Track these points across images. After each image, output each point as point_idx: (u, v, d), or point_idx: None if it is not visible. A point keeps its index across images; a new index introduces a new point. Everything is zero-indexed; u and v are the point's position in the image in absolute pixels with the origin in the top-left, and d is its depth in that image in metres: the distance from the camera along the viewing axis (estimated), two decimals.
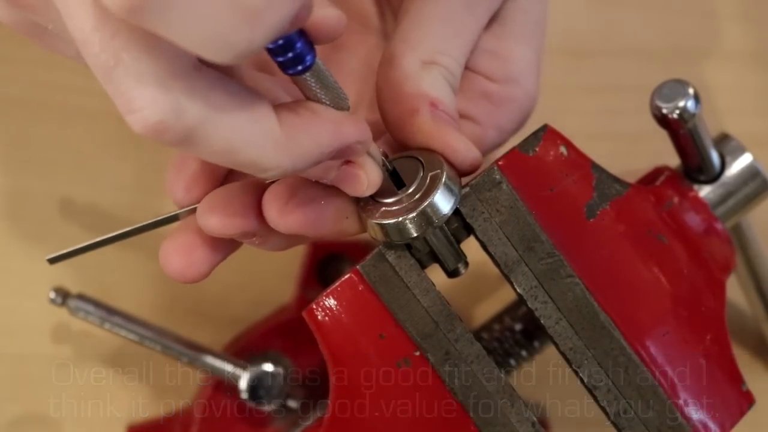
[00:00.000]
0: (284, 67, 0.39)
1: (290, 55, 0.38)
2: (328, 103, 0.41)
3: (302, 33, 0.38)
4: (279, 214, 0.44)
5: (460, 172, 0.46)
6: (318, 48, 0.52)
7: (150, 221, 0.47)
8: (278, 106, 0.40)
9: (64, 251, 0.50)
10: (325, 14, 0.39)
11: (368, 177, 0.44)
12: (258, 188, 0.45)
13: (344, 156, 0.42)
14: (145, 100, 0.36)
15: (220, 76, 0.38)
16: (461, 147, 0.45)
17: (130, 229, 0.48)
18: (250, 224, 0.44)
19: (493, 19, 0.50)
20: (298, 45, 0.38)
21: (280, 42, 0.38)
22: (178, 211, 0.47)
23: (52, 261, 0.51)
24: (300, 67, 0.39)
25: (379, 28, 0.53)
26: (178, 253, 0.45)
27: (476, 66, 0.50)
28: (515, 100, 0.50)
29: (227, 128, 0.38)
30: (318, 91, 0.41)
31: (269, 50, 0.38)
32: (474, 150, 0.46)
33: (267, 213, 0.44)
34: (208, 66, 0.38)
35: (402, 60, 0.47)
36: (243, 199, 0.45)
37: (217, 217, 0.44)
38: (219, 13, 0.34)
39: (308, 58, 0.39)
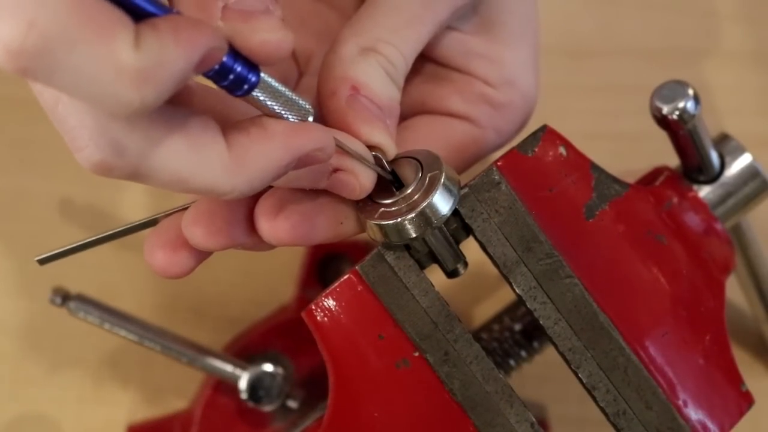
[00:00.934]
0: (228, 90, 0.39)
1: (231, 78, 0.38)
2: (288, 115, 0.41)
3: (238, 56, 0.38)
4: (270, 229, 0.44)
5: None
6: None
7: (131, 224, 0.47)
8: (229, 127, 0.40)
9: (53, 252, 0.50)
10: (262, 39, 0.38)
11: (360, 181, 0.44)
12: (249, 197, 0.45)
13: (309, 165, 0.41)
14: (85, 140, 0.37)
15: (162, 109, 0.38)
16: (367, 133, 0.45)
17: (112, 232, 0.48)
18: (236, 239, 0.44)
19: (482, 23, 0.50)
20: (237, 69, 0.38)
21: (216, 69, 0.37)
22: (157, 215, 0.46)
23: (42, 262, 0.52)
24: (246, 87, 0.39)
25: None
26: (163, 249, 0.45)
27: (472, 71, 0.50)
28: (513, 103, 0.50)
29: (172, 161, 0.38)
30: (272, 105, 0.40)
31: (208, 77, 0.38)
32: (385, 142, 0.45)
33: (259, 229, 0.44)
34: None
35: (342, 45, 0.46)
36: (229, 212, 0.44)
37: (202, 232, 0.44)
38: (102, 76, 0.34)
39: (251, 77, 0.39)
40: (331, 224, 0.45)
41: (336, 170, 0.43)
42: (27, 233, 0.67)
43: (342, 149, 0.43)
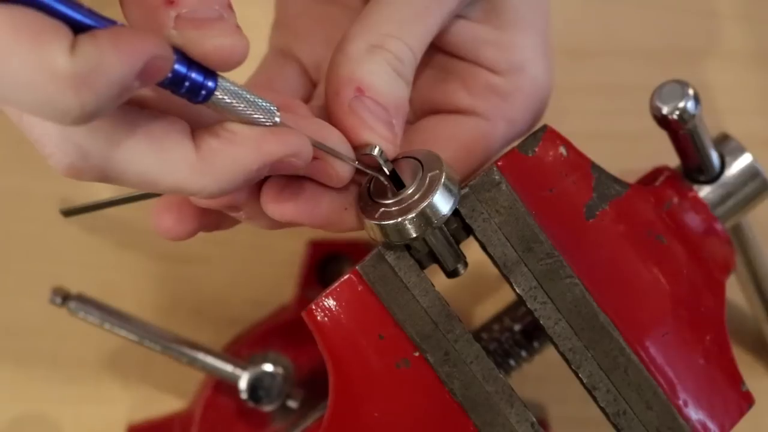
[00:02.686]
0: (188, 98, 0.39)
1: (187, 85, 0.38)
2: (254, 118, 0.41)
3: (192, 64, 0.39)
4: (273, 201, 0.44)
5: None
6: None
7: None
8: (200, 130, 0.40)
9: (78, 206, 0.53)
10: (215, 45, 0.39)
11: (336, 171, 0.44)
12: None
13: (284, 171, 0.42)
14: (51, 147, 0.39)
15: (127, 111, 0.39)
16: (367, 139, 0.45)
17: (137, 193, 0.50)
18: (238, 198, 0.44)
19: (490, 9, 0.49)
20: (192, 76, 0.38)
21: (169, 77, 0.38)
22: None
23: (67, 214, 0.52)
24: (204, 93, 0.39)
25: None
26: (170, 211, 0.46)
27: (478, 58, 0.49)
28: (522, 90, 0.49)
29: (136, 163, 0.39)
30: (236, 110, 0.40)
31: (164, 86, 0.38)
32: (386, 148, 0.45)
33: (262, 200, 0.44)
34: None
35: (350, 42, 0.46)
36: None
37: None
38: (37, 82, 0.35)
39: (209, 84, 0.39)
40: (335, 207, 0.45)
41: (313, 158, 0.43)
42: (27, 233, 0.67)
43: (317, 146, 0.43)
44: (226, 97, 0.40)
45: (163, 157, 0.39)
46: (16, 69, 0.34)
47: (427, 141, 0.49)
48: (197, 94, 0.39)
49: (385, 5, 0.47)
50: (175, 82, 0.38)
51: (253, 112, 0.41)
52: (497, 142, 0.49)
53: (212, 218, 0.46)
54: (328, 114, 0.46)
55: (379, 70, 0.45)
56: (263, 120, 0.41)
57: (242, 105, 0.40)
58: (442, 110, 0.50)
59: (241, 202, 0.44)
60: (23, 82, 0.35)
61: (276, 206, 0.44)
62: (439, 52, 0.50)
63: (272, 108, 0.41)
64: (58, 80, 0.34)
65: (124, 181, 0.39)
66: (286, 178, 0.44)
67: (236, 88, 0.40)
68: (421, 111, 0.51)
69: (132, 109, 0.39)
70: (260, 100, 0.41)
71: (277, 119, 0.41)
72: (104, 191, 0.67)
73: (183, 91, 0.39)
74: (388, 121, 0.45)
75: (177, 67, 0.38)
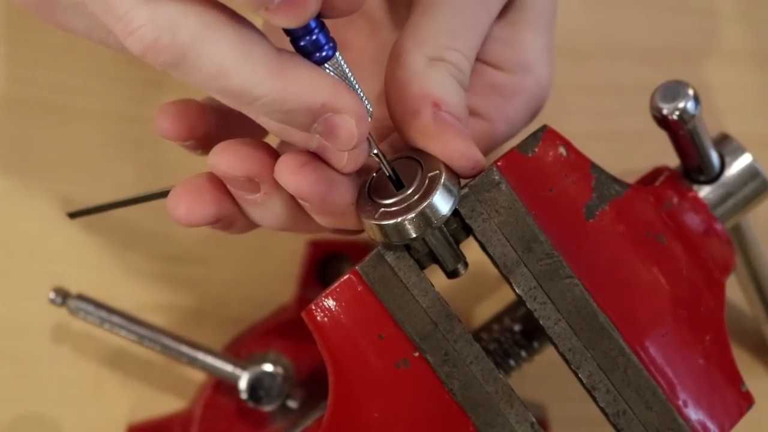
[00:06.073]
0: (303, 51, 0.41)
1: (308, 39, 0.40)
2: None
3: (321, 24, 0.40)
4: (292, 173, 0.43)
5: (461, 176, 0.45)
6: None
7: (165, 189, 0.48)
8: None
9: (84, 208, 0.54)
10: None
11: (356, 131, 0.42)
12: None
13: (334, 132, 0.42)
14: (142, 18, 0.38)
15: (222, 6, 0.40)
16: (460, 151, 0.45)
17: (145, 194, 0.50)
18: (260, 170, 0.44)
19: (508, 5, 0.49)
20: (316, 31, 0.40)
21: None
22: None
23: (73, 216, 0.52)
24: (318, 56, 0.41)
25: (390, 24, 0.53)
26: (186, 195, 0.46)
27: (487, 54, 0.49)
28: (525, 91, 0.49)
29: (220, 50, 0.39)
30: None
31: (288, 32, 0.40)
32: (475, 153, 0.45)
33: (279, 170, 0.44)
34: None
35: (408, 57, 0.46)
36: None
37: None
38: None
39: (326, 47, 0.41)
40: (348, 196, 0.45)
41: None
42: (27, 233, 0.67)
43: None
44: (336, 71, 0.41)
45: (246, 48, 0.40)
46: None
47: None
48: (313, 54, 0.41)
49: (432, 17, 0.47)
50: (303, 31, 0.40)
51: None
52: (497, 142, 0.49)
53: (227, 207, 0.46)
54: (408, 136, 0.46)
55: (447, 83, 0.46)
56: None
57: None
58: None
59: (263, 176, 0.44)
60: None
61: (293, 177, 0.43)
62: None
63: (369, 106, 0.42)
64: None
65: (198, 68, 0.39)
66: (307, 156, 0.44)
67: (347, 70, 0.42)
68: None
69: (225, 6, 0.40)
70: (362, 93, 0.42)
71: (369, 119, 0.42)
72: (104, 191, 0.67)
73: (304, 44, 0.40)
74: (466, 132, 0.45)
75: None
